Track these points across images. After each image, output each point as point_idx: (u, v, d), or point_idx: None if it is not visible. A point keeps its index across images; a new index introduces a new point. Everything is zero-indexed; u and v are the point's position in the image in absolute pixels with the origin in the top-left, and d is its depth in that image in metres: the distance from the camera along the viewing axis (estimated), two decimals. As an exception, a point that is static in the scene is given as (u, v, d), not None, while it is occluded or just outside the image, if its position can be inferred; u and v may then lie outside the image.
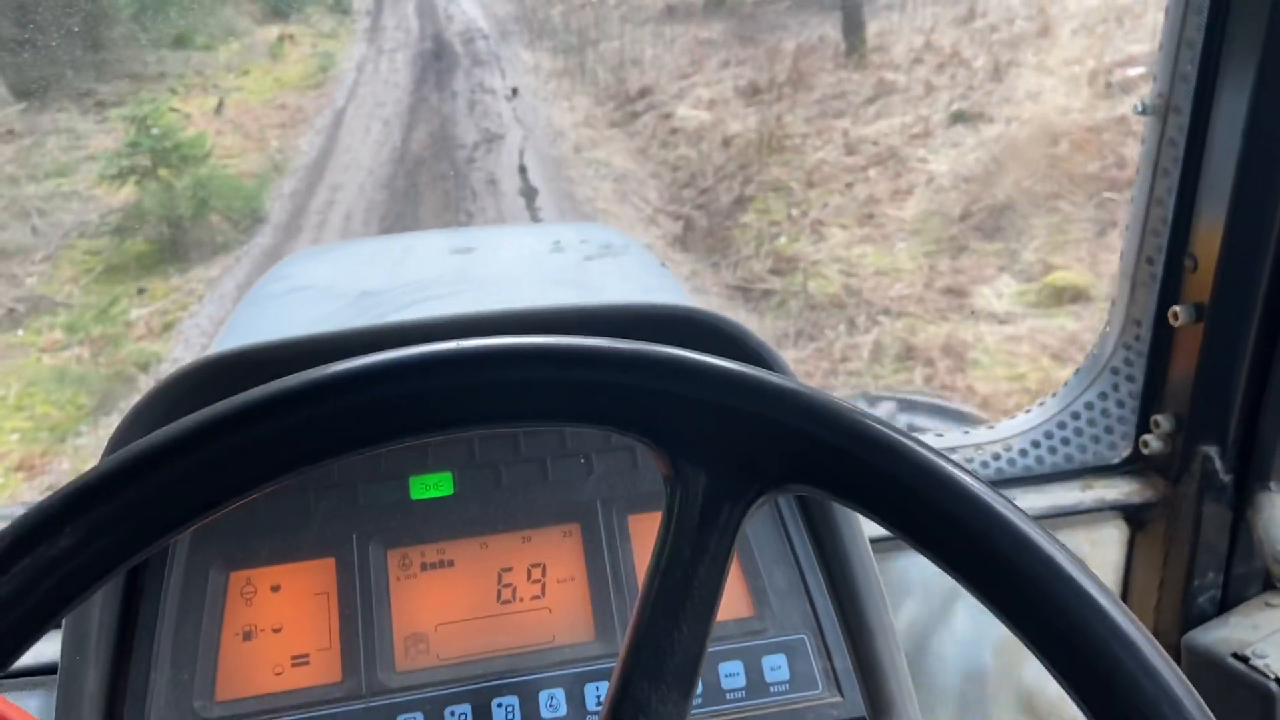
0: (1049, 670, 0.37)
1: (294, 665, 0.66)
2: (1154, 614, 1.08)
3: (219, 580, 0.67)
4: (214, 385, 0.63)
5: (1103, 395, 1.14)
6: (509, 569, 0.71)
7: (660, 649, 0.40)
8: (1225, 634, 1.01)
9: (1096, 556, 1.14)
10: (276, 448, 0.38)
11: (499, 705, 0.65)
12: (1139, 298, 1.07)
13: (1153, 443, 1.05)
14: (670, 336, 0.60)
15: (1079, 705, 0.37)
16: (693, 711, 0.67)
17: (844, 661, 0.69)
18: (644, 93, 8.42)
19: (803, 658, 0.69)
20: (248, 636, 0.66)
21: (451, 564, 0.70)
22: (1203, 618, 1.04)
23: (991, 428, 1.22)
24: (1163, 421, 1.05)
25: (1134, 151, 1.10)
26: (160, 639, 0.64)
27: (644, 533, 0.73)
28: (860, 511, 0.40)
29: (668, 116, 7.97)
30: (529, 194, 7.03)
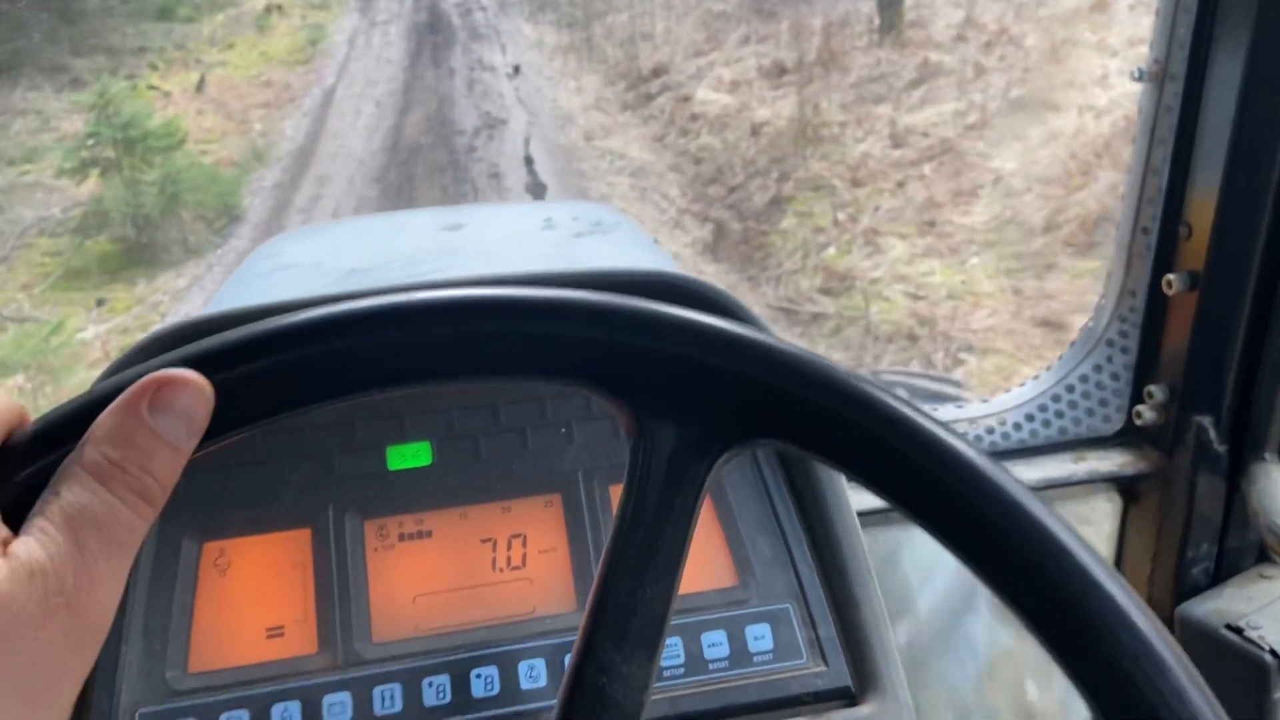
0: (1029, 629, 0.36)
1: (269, 637, 0.65)
2: (1147, 585, 1.07)
3: (192, 551, 0.66)
4: None
5: (1097, 368, 1.12)
6: (489, 540, 0.70)
7: (624, 610, 0.39)
8: (1219, 606, 1.00)
9: (1089, 528, 1.13)
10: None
11: (478, 676, 0.65)
12: (1135, 268, 1.06)
13: (1146, 414, 1.04)
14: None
15: (1064, 669, 0.36)
16: (675, 681, 0.66)
17: (829, 631, 0.68)
18: (658, 72, 7.65)
19: (787, 627, 0.68)
20: (222, 608, 0.65)
21: (430, 535, 0.69)
22: (1196, 589, 1.03)
23: (986, 401, 1.20)
24: (1156, 392, 1.03)
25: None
26: (131, 610, 0.63)
27: (626, 503, 0.72)
28: (830, 465, 0.39)
29: (686, 100, 7.22)
30: (537, 190, 6.39)
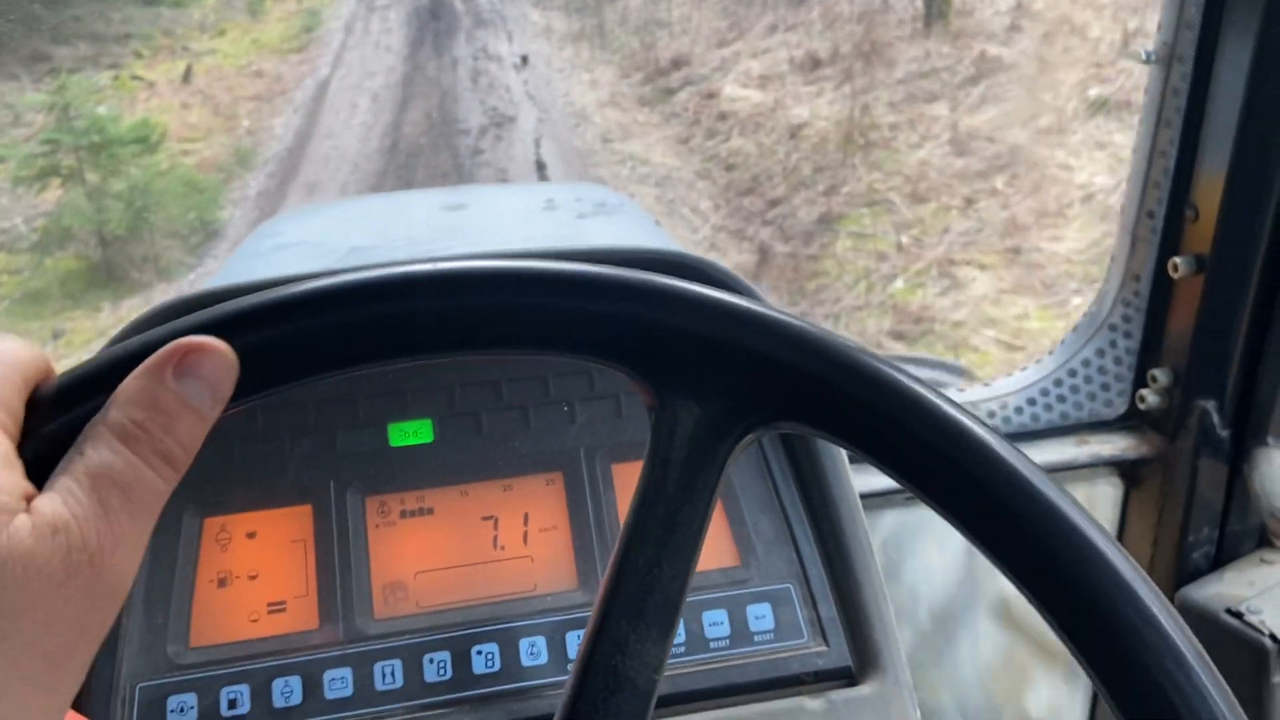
0: (1047, 621, 0.36)
1: (270, 612, 0.65)
2: (1148, 569, 1.07)
3: (193, 526, 0.66)
4: None
5: (1100, 352, 1.12)
6: (490, 517, 0.69)
7: (641, 587, 0.38)
8: (1220, 590, 1.00)
9: (1091, 512, 1.13)
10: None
11: (478, 653, 0.64)
12: (1139, 252, 1.05)
13: (1149, 398, 1.04)
14: None
15: (1086, 667, 0.36)
16: (676, 659, 0.66)
17: (829, 611, 0.68)
18: (678, 63, 6.86)
19: (788, 607, 0.68)
20: (223, 583, 0.65)
21: (431, 512, 0.69)
22: (1197, 574, 1.03)
23: (987, 385, 1.20)
24: (1160, 376, 1.03)
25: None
26: (133, 584, 0.63)
27: (628, 482, 0.72)
28: (854, 451, 0.38)
29: (711, 96, 6.41)
30: (552, 203, 5.86)
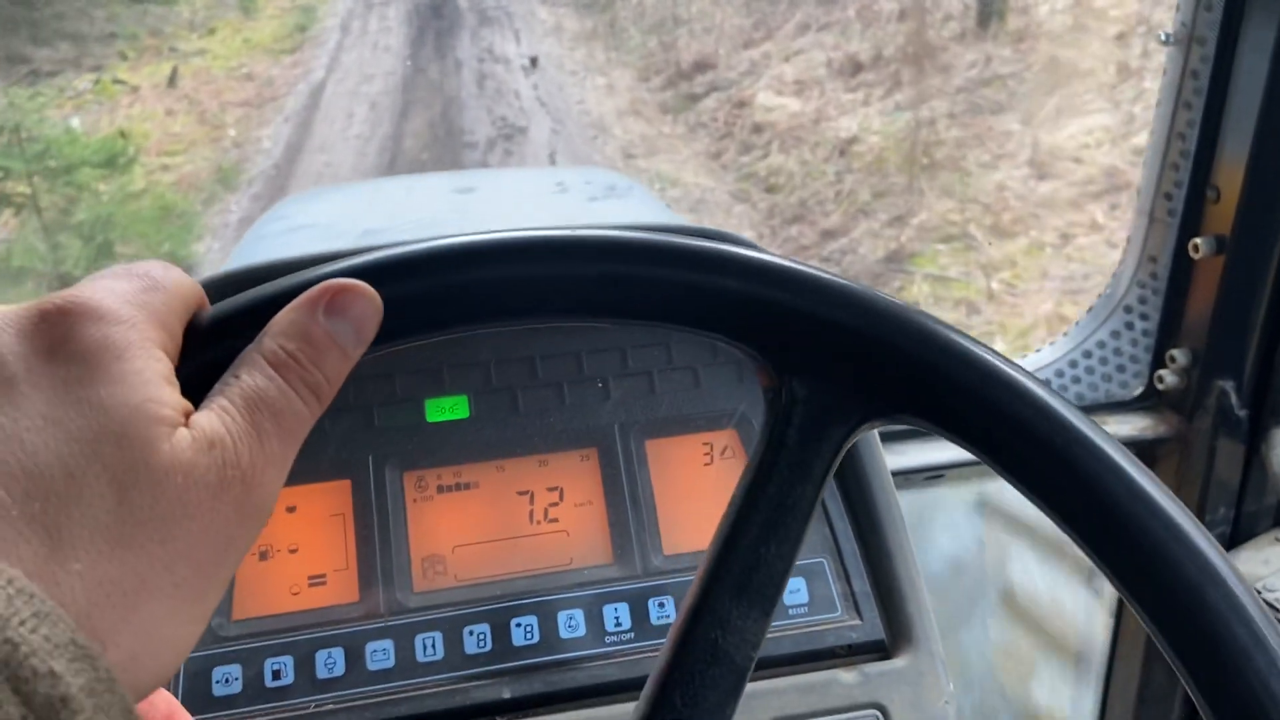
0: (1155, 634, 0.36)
1: (311, 585, 0.65)
2: (1165, 549, 1.08)
3: None
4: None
5: (1115, 334, 1.13)
6: (526, 492, 0.70)
7: (746, 564, 0.39)
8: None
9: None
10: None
11: (518, 625, 0.65)
12: (1155, 234, 1.06)
13: (1168, 378, 1.05)
14: None
15: (1188, 681, 0.36)
16: None
17: (862, 585, 0.69)
18: (701, 66, 6.14)
19: (821, 581, 0.69)
20: (264, 556, 0.66)
21: (468, 487, 0.70)
22: (1213, 553, 1.04)
23: (1002, 366, 1.21)
24: (1179, 356, 1.04)
25: None
26: None
27: (662, 458, 0.72)
28: (966, 447, 0.38)
29: (743, 104, 5.69)
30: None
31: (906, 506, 1.17)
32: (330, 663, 0.63)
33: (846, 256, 4.41)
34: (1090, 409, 1.13)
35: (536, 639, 0.65)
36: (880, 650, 0.68)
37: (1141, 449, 1.09)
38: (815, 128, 5.44)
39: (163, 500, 0.30)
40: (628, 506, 0.70)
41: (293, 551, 0.66)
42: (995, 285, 3.96)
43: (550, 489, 0.71)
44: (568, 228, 0.39)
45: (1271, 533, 1.06)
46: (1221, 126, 0.96)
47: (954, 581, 1.22)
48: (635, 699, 0.39)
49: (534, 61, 6.36)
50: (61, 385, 0.31)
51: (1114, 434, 1.15)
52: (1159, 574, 0.35)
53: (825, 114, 5.54)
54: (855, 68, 5.78)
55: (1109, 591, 1.15)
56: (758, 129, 5.56)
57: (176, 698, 0.60)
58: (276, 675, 0.62)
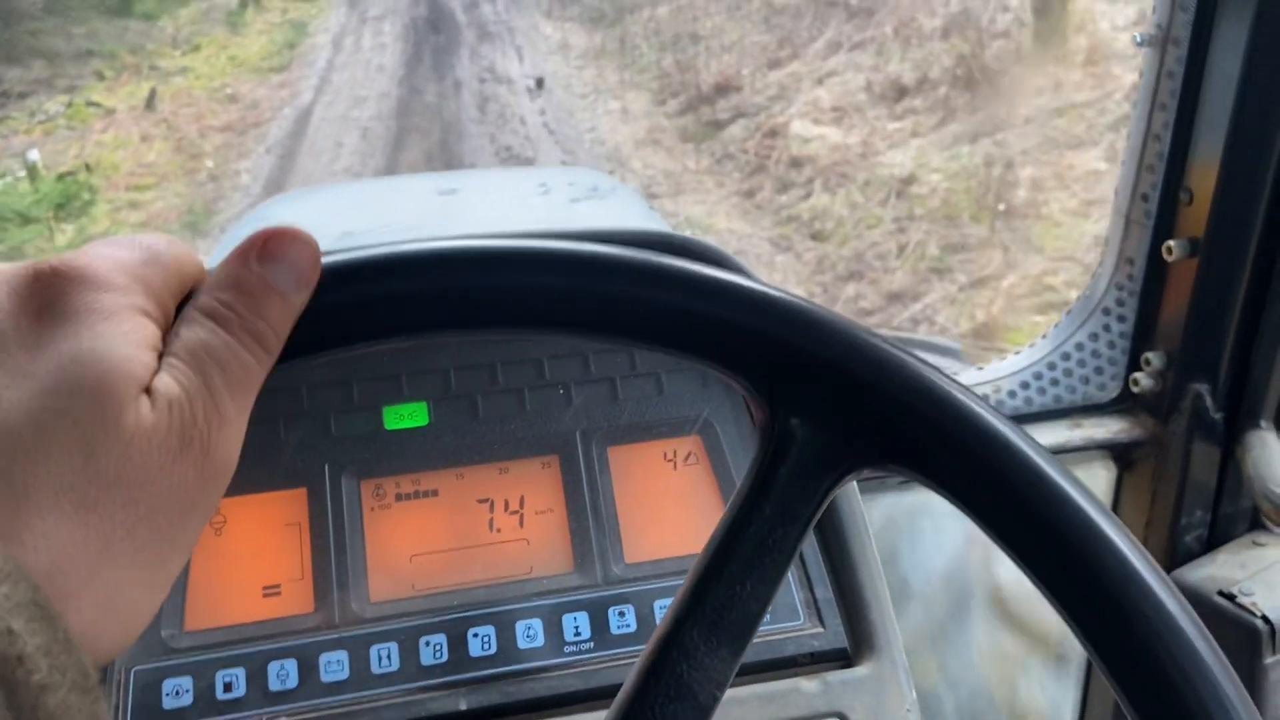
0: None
1: (265, 595, 0.65)
2: (1141, 553, 1.08)
3: None
4: None
5: (1093, 336, 1.12)
6: (486, 500, 0.69)
7: (721, 601, 0.38)
8: (1212, 572, 1.00)
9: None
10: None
11: (475, 635, 0.64)
12: (1133, 236, 1.05)
13: (1143, 380, 1.04)
14: None
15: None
16: None
17: (825, 592, 0.68)
18: (724, 89, 5.51)
19: (784, 588, 0.68)
20: (218, 567, 0.65)
21: (427, 495, 0.69)
22: (1190, 556, 1.04)
23: (980, 369, 1.20)
24: (1154, 359, 1.03)
25: None
26: None
27: (623, 464, 0.72)
28: (954, 503, 0.38)
29: (774, 134, 5.00)
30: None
31: (888, 509, 1.16)
32: (283, 674, 0.62)
33: (921, 326, 3.76)
34: (1068, 411, 1.13)
35: (494, 649, 0.64)
36: (843, 658, 0.67)
37: (1118, 452, 1.09)
38: (863, 163, 4.75)
39: (129, 463, 0.30)
40: (589, 514, 0.69)
41: (247, 561, 0.65)
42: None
43: (511, 497, 0.70)
44: (572, 241, 0.38)
45: (1249, 536, 1.05)
46: (1195, 129, 0.95)
47: (940, 581, 1.22)
48: (594, 709, 0.39)
49: (540, 83, 5.81)
50: (46, 344, 0.31)
51: (1091, 437, 1.13)
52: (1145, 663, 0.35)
53: (871, 146, 4.86)
54: (899, 92, 5.16)
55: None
56: (796, 163, 4.87)
57: (126, 708, 0.60)
58: (228, 687, 0.61)
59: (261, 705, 0.61)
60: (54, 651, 0.26)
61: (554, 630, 0.65)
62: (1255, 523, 1.05)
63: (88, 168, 4.72)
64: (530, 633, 0.65)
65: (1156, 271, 1.02)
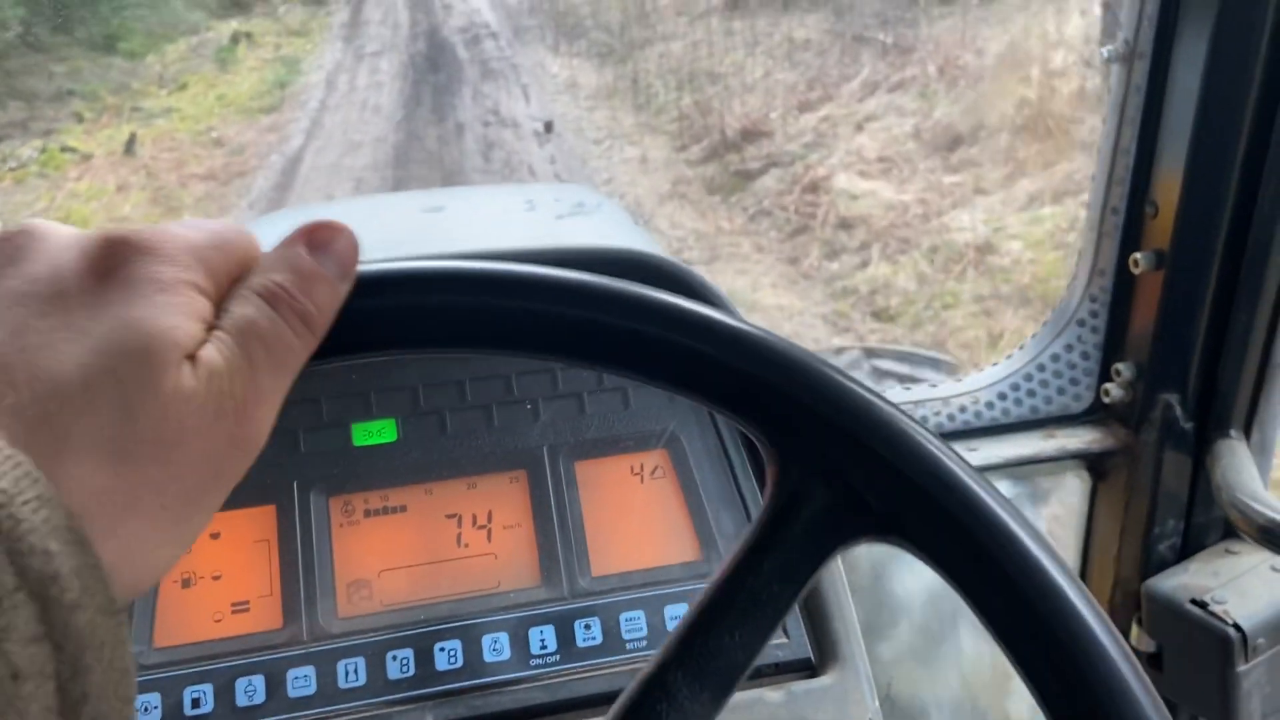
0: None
1: (234, 612, 0.66)
2: (1115, 562, 1.09)
3: None
4: None
5: (1068, 347, 1.13)
6: (454, 515, 0.70)
7: (708, 649, 0.38)
8: (1185, 580, 1.01)
9: (1058, 505, 1.15)
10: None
11: (441, 650, 0.65)
12: (1104, 248, 1.06)
13: (1114, 391, 1.05)
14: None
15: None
16: (637, 653, 0.67)
17: None
18: (751, 134, 4.91)
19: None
20: (186, 584, 0.66)
21: (396, 511, 0.70)
22: (1163, 565, 1.05)
23: (959, 380, 1.21)
24: (1124, 370, 1.04)
25: None
26: None
27: (591, 479, 0.73)
28: (957, 590, 0.39)
29: (815, 188, 4.44)
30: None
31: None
32: (250, 690, 0.63)
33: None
34: (1043, 422, 1.14)
35: (460, 663, 0.65)
36: (807, 669, 0.68)
37: (1091, 462, 1.10)
38: (924, 225, 4.15)
39: (165, 424, 0.32)
40: (556, 528, 0.70)
41: (216, 578, 0.66)
42: None
43: (479, 512, 0.71)
44: (602, 277, 0.39)
45: (1221, 544, 1.06)
46: (1158, 143, 0.97)
47: (927, 595, 1.22)
48: None
49: (549, 127, 5.33)
50: (105, 304, 0.33)
51: (1064, 447, 1.14)
52: None
53: (931, 205, 4.25)
54: (952, 140, 4.54)
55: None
56: (845, 224, 4.29)
57: None
58: (195, 704, 0.62)
59: None
60: (84, 575, 0.28)
61: (520, 643, 0.66)
62: (1228, 531, 1.06)
63: (49, 228, 4.42)
64: (497, 646, 0.66)
65: (1124, 283, 1.03)
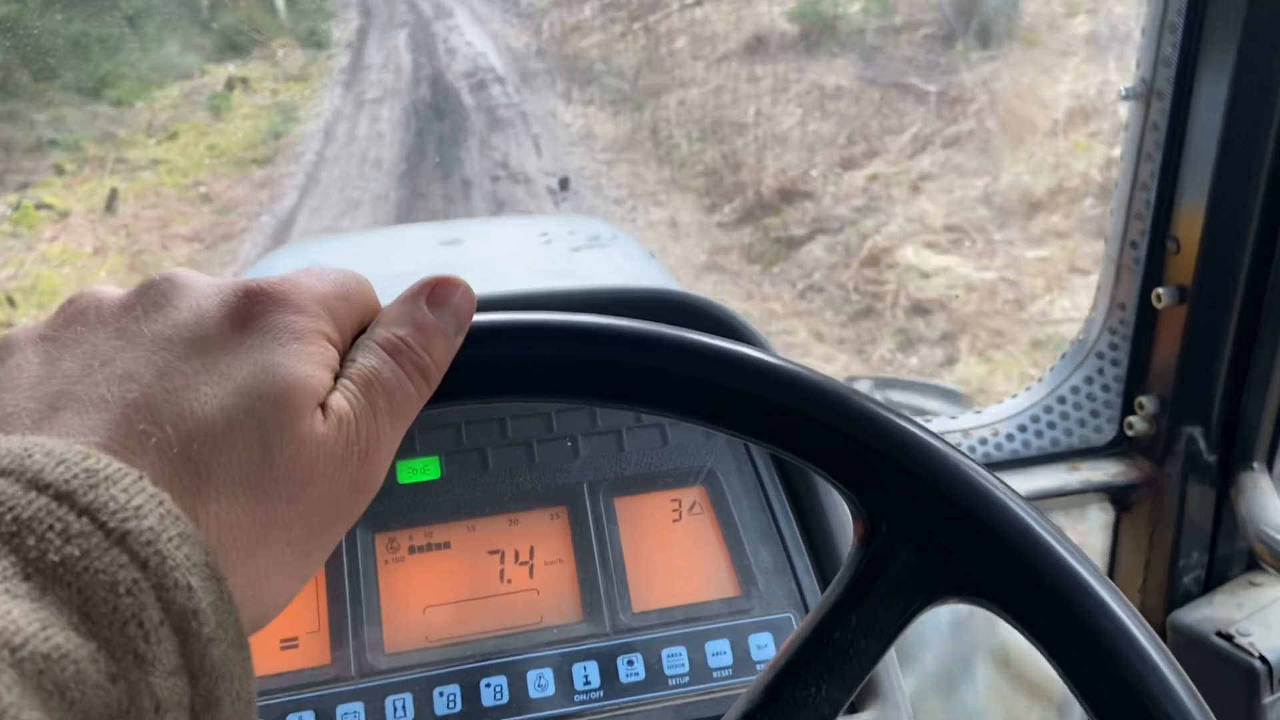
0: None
1: (282, 648, 0.66)
2: (1140, 594, 1.09)
3: None
4: None
5: (1088, 379, 1.14)
6: (496, 551, 0.71)
7: (793, 701, 0.39)
8: (1210, 613, 1.01)
9: (1083, 538, 1.15)
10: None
11: (487, 685, 0.66)
12: (1124, 281, 1.08)
13: (1137, 424, 1.06)
14: (653, 320, 0.60)
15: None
16: (680, 689, 0.67)
17: None
18: (790, 194, 4.36)
19: (789, 636, 0.70)
20: (236, 620, 0.67)
21: (440, 547, 0.71)
22: (1188, 597, 1.05)
23: (979, 412, 1.22)
24: (1147, 403, 1.05)
25: None
26: None
27: (631, 515, 0.73)
28: (1039, 648, 0.39)
29: (875, 261, 3.98)
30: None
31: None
32: None
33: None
34: (1064, 455, 1.14)
35: (506, 699, 0.66)
36: (849, 706, 0.68)
37: (1115, 495, 1.10)
38: (1018, 313, 3.59)
39: (297, 465, 0.34)
40: (597, 564, 0.71)
41: None
42: None
43: (521, 548, 0.72)
44: (711, 337, 0.40)
45: (1245, 576, 1.06)
46: (1179, 179, 0.98)
47: (948, 630, 1.22)
48: None
49: (564, 183, 4.95)
50: (244, 350, 0.35)
51: (1088, 480, 1.15)
52: None
53: (1019, 286, 3.71)
54: (1030, 207, 4.03)
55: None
56: (920, 309, 3.70)
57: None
58: None
59: None
60: (220, 609, 0.29)
61: (564, 679, 0.67)
62: (1251, 563, 1.07)
63: (11, 302, 3.77)
64: (541, 682, 0.67)
65: (1147, 317, 1.05)
